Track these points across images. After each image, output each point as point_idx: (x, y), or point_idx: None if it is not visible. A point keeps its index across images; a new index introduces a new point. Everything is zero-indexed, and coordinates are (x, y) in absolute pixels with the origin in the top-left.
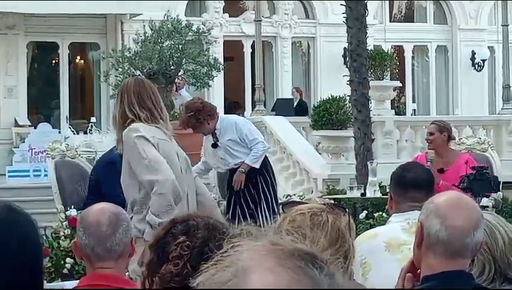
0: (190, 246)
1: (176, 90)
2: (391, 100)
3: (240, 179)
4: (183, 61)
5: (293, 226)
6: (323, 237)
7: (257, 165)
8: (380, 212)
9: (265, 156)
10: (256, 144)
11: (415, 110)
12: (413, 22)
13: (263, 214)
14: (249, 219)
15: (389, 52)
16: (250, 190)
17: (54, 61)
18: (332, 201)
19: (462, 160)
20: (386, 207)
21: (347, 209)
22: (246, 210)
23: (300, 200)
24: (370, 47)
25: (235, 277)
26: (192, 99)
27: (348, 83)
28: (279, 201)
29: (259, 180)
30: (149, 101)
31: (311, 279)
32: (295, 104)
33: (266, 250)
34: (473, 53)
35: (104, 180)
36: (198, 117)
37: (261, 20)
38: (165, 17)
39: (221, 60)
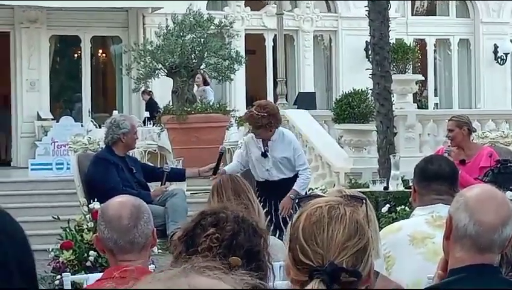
0: (219, 239)
1: (204, 84)
2: (413, 94)
3: (289, 205)
4: (205, 54)
5: (311, 221)
6: (341, 230)
7: (304, 192)
8: (403, 206)
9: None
10: (305, 170)
11: (437, 103)
12: (436, 15)
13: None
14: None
15: (411, 45)
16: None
17: (76, 55)
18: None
19: (484, 152)
20: (410, 200)
21: (364, 200)
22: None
23: (315, 193)
24: (392, 40)
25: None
26: (267, 102)
27: (370, 76)
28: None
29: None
30: None
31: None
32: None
33: None
34: (496, 46)
35: (105, 176)
36: (270, 121)
37: (282, 14)
38: (187, 10)
39: (243, 53)
